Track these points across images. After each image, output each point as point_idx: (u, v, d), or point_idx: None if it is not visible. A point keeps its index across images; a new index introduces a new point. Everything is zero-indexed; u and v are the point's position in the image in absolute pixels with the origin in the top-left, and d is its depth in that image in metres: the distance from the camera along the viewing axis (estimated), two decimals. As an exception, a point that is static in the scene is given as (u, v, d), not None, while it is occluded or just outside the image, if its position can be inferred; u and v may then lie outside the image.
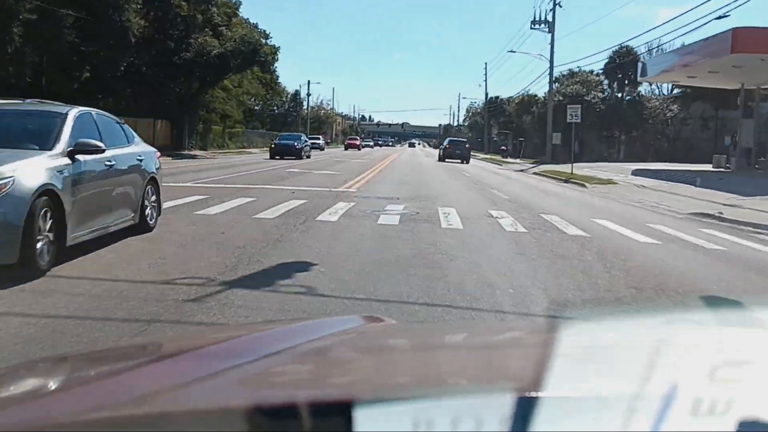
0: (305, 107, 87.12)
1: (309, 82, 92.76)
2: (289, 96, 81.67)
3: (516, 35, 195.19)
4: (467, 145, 42.36)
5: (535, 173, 29.76)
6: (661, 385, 0.65)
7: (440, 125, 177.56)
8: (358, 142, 70.42)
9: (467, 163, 38.14)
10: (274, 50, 41.97)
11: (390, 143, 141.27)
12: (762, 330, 0.93)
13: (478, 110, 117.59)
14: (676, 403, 0.61)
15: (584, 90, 46.97)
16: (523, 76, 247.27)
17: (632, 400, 0.62)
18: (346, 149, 63.65)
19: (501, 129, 62.76)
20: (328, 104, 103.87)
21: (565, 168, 31.26)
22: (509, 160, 48.23)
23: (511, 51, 42.77)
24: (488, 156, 58.23)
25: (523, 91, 69.65)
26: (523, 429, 0.60)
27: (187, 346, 1.26)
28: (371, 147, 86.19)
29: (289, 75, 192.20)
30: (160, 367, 1.08)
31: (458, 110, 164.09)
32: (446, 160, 39.16)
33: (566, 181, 23.31)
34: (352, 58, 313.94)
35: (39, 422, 0.78)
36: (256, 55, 35.67)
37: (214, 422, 0.71)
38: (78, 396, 0.90)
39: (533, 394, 0.64)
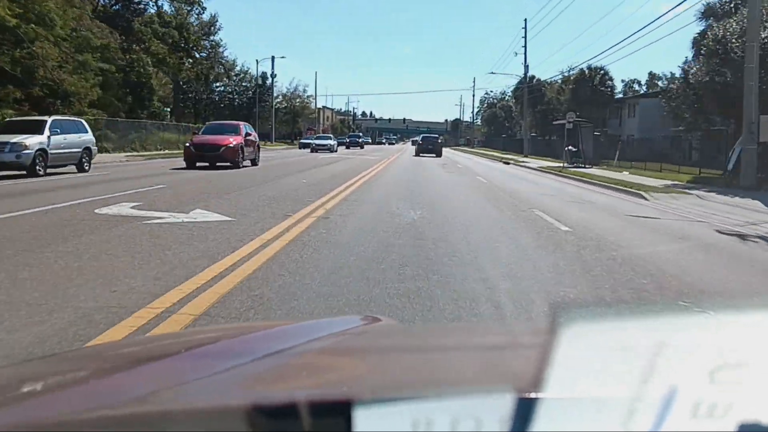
0: (278, 94, 67.14)
1: (273, 57, 63.59)
2: (254, 80, 62.42)
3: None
4: (439, 140, 46.75)
5: None
6: (661, 386, 0.64)
7: (446, 120, 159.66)
8: (230, 142, 22.43)
9: (440, 156, 41.26)
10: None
11: (385, 141, 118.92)
12: (762, 331, 0.88)
13: (495, 101, 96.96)
14: (676, 404, 0.61)
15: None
16: (574, 50, 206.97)
17: (632, 401, 0.62)
18: (187, 162, 21.82)
19: (578, 115, 34.26)
20: (305, 90, 79.84)
21: None
22: (608, 172, 26.04)
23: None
24: (549, 165, 32.43)
25: (579, 66, 50.06)
26: (523, 429, 0.60)
27: (186, 346, 1.26)
28: (331, 152, 45.83)
29: (282, 71, 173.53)
30: (160, 366, 1.07)
31: (473, 98, 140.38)
32: (421, 154, 41.57)
33: None
34: (346, 48, 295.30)
35: (38, 421, 0.78)
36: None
37: (213, 421, 0.72)
38: (78, 395, 0.90)
39: (533, 394, 0.64)
